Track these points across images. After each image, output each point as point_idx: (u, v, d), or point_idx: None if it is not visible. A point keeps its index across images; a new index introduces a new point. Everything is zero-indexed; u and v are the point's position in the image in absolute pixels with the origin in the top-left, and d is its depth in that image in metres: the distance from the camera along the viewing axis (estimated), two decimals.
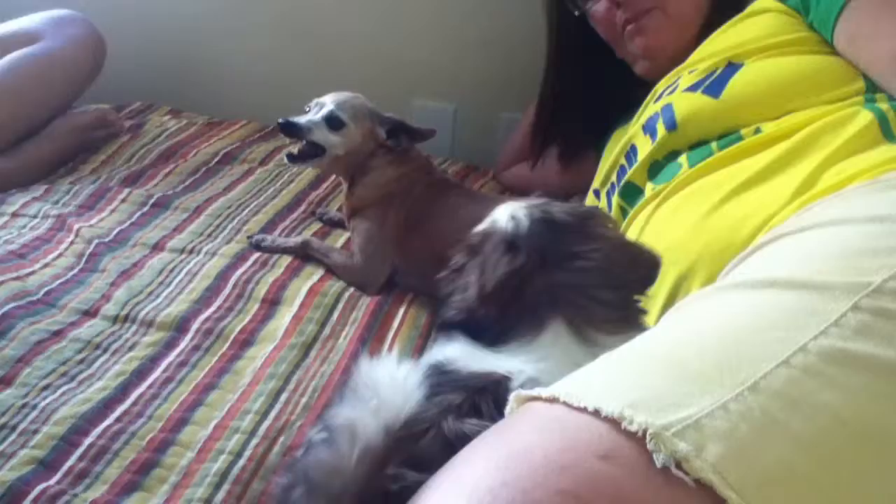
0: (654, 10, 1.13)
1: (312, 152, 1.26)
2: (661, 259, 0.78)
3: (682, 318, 0.64)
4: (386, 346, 1.07)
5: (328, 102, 1.27)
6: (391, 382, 0.67)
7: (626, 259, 0.77)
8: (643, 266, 0.77)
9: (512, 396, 0.60)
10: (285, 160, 1.29)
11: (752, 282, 0.62)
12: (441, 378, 0.68)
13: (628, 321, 0.73)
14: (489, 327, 0.73)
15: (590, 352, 0.66)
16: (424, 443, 0.62)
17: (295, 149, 1.27)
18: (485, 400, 0.64)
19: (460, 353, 0.71)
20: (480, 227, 0.81)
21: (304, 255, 1.25)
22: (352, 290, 1.18)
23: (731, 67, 0.95)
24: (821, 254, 0.61)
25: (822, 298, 0.55)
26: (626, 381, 0.55)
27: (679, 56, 1.10)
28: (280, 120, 1.24)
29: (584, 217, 0.79)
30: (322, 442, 0.65)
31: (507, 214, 0.78)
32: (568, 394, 0.53)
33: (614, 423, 0.50)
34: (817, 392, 0.51)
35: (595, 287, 0.72)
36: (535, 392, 0.57)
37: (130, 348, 1.03)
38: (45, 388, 0.94)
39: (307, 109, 1.28)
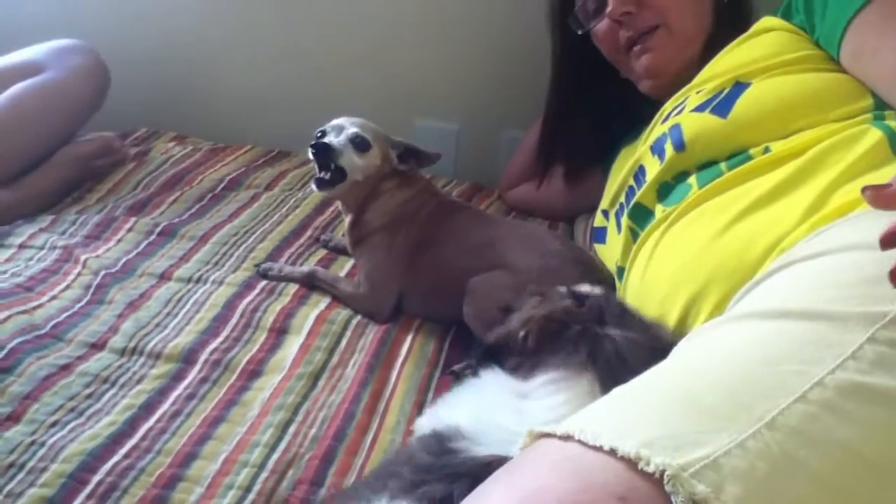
0: (657, 28, 1.12)
1: (338, 178, 1.21)
2: None
3: (695, 350, 0.63)
4: (394, 373, 1.06)
5: (347, 125, 1.23)
6: None
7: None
8: None
9: (525, 432, 0.59)
10: (313, 187, 1.23)
11: (765, 312, 0.61)
12: (433, 460, 0.67)
13: None
14: (522, 355, 0.75)
15: None
16: None
17: (325, 174, 1.21)
18: (461, 490, 0.62)
19: (468, 418, 0.70)
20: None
21: (310, 285, 1.24)
22: (359, 316, 1.17)
23: (739, 87, 0.94)
24: (833, 282, 0.60)
25: (836, 329, 0.54)
26: (642, 418, 0.54)
27: (683, 74, 1.09)
28: (313, 142, 1.20)
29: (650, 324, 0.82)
30: None
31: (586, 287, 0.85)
32: (583, 431, 0.52)
33: (630, 463, 0.49)
34: (835, 428, 0.49)
35: (636, 362, 0.71)
36: (549, 428, 0.56)
37: (138, 381, 1.02)
38: (54, 424, 0.93)
39: (319, 135, 1.24)
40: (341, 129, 1.23)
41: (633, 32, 1.14)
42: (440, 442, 0.68)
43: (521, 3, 1.60)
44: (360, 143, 1.21)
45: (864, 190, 0.55)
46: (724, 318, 0.65)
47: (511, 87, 1.71)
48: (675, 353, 0.65)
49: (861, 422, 0.50)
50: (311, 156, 1.21)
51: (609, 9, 1.13)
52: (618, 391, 0.60)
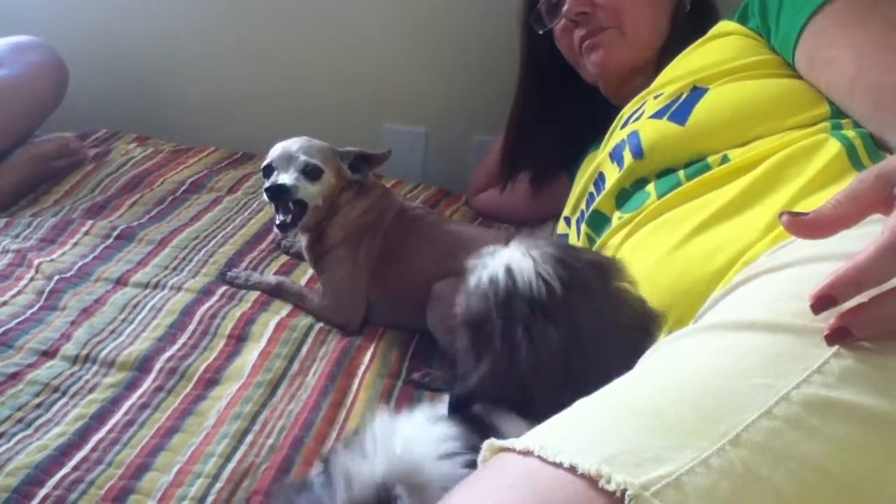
0: (609, 28, 1.14)
1: (299, 213, 1.17)
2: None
3: (659, 363, 0.62)
4: (355, 382, 1.05)
5: (294, 153, 1.17)
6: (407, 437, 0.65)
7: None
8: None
9: (485, 445, 0.57)
10: (277, 232, 1.21)
11: (730, 323, 0.60)
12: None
13: None
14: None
15: None
16: None
17: (287, 216, 1.16)
18: None
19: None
20: (486, 278, 0.71)
21: (277, 295, 1.21)
22: (321, 324, 1.15)
23: (697, 92, 0.94)
24: (799, 294, 0.59)
25: (802, 343, 0.53)
26: (603, 433, 0.52)
27: (635, 76, 1.11)
28: (267, 185, 1.15)
29: (607, 276, 0.73)
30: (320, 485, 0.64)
31: (528, 269, 0.69)
32: (543, 446, 0.51)
33: (591, 480, 0.47)
34: (800, 444, 0.49)
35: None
36: (509, 443, 0.54)
37: (90, 390, 0.99)
38: (0, 435, 0.90)
39: (271, 162, 1.19)
40: (289, 160, 1.17)
41: (584, 32, 1.15)
42: None
43: (491, 6, 1.59)
44: (311, 172, 1.17)
45: (780, 215, 0.55)
46: (689, 329, 0.64)
47: (481, 91, 1.70)
48: (640, 365, 0.64)
49: (826, 437, 0.49)
50: (266, 199, 1.17)
51: (565, 8, 1.15)
52: (579, 404, 0.58)
